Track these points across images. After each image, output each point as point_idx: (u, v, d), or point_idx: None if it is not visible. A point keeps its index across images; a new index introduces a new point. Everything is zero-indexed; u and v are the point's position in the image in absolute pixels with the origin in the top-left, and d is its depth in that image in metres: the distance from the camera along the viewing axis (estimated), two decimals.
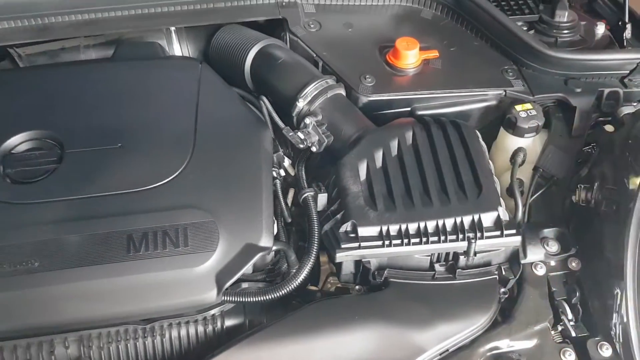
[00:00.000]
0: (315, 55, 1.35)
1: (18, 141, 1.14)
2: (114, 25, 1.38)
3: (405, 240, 1.09)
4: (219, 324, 1.07)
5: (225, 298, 1.04)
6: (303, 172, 1.21)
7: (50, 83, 1.25)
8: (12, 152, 1.13)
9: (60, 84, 1.25)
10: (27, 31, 1.36)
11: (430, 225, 1.10)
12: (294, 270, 1.08)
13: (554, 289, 1.14)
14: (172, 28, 1.44)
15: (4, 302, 0.98)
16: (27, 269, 1.00)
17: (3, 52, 1.39)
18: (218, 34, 1.43)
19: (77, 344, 1.03)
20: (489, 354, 1.07)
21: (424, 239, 1.09)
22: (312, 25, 1.42)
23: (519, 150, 1.28)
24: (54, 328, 1.02)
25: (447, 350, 1.05)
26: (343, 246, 1.07)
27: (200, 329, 1.06)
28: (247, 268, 1.05)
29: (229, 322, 1.07)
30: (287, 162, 1.22)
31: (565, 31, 1.46)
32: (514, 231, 1.12)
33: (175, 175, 1.11)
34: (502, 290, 1.13)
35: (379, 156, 1.17)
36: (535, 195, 1.25)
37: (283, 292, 1.06)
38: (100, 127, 1.16)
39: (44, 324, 1.01)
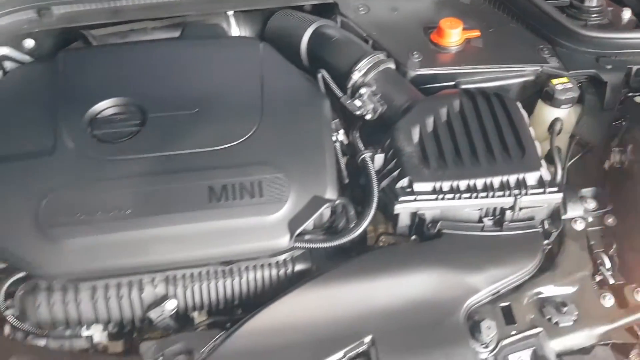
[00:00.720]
0: (365, 35, 1.47)
1: (104, 107, 1.25)
2: (179, 9, 1.49)
3: (457, 196, 1.19)
4: (289, 268, 1.17)
5: (296, 244, 1.15)
6: (358, 138, 1.32)
7: (130, 57, 1.37)
8: (99, 116, 1.25)
9: (139, 58, 1.37)
10: (101, 13, 1.48)
11: (479, 182, 1.20)
12: (355, 222, 1.19)
13: (592, 242, 1.24)
14: (230, 12, 1.56)
15: (99, 244, 1.09)
16: (120, 215, 1.11)
17: (77, 33, 1.52)
18: (273, 17, 1.54)
19: (163, 284, 1.13)
20: (535, 297, 1.17)
21: (474, 195, 1.19)
22: (361, 9, 1.54)
23: (556, 120, 1.38)
24: (143, 268, 1.13)
25: (498, 291, 1.14)
26: (401, 199, 1.17)
27: (273, 272, 1.16)
28: (315, 217, 1.16)
29: (298, 267, 1.17)
30: (341, 132, 1.33)
31: (594, 15, 1.56)
32: (555, 189, 1.22)
33: (247, 136, 1.22)
34: (546, 242, 1.23)
35: (429, 122, 1.27)
36: (573, 160, 1.35)
37: (347, 238, 1.16)
38: (177, 95, 1.28)
39: (134, 264, 1.11)
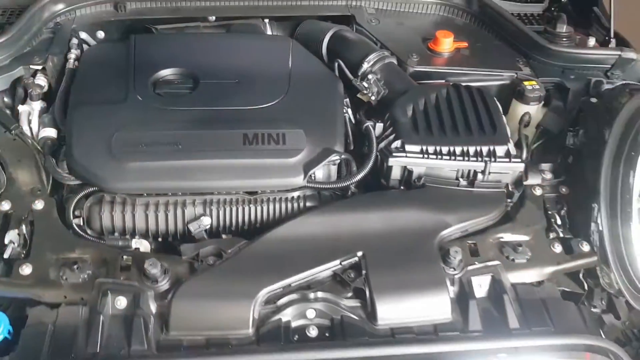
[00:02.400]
0: (375, 39, 1.77)
1: (166, 73, 1.55)
2: (227, 11, 1.82)
3: (439, 157, 1.45)
4: (301, 204, 1.43)
5: (307, 184, 1.42)
6: (363, 115, 1.60)
7: (188, 42, 1.70)
8: (160, 79, 1.55)
9: (195, 43, 1.69)
10: (164, 10, 1.80)
11: (458, 149, 1.46)
12: (356, 170, 1.45)
13: (548, 205, 1.49)
14: (267, 20, 1.88)
15: (155, 168, 1.37)
16: (173, 149, 1.39)
17: (140, 28, 1.83)
18: (302, 24, 1.86)
19: (201, 205, 1.40)
20: (497, 240, 1.40)
21: (452, 158, 1.46)
22: (373, 21, 1.85)
23: (526, 113, 1.66)
24: (186, 191, 1.40)
25: (467, 230, 1.39)
26: (394, 155, 1.44)
27: (288, 205, 1.43)
28: (325, 164, 1.43)
29: (308, 203, 1.43)
30: (349, 110, 1.62)
31: (564, 39, 1.85)
32: (519, 160, 1.48)
33: (276, 102, 1.51)
34: (509, 200, 1.48)
35: (421, 102, 1.55)
36: (537, 144, 1.62)
37: (349, 182, 1.42)
38: (223, 69, 1.58)
39: (180, 187, 1.39)
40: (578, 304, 1.39)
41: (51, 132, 1.47)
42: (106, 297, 1.21)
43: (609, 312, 1.49)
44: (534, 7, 2.00)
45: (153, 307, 1.22)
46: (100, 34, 1.81)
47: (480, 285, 1.32)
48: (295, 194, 1.43)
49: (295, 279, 1.26)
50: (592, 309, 1.45)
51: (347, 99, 1.60)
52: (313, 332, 1.23)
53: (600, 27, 1.97)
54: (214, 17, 1.86)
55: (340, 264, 1.29)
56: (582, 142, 1.54)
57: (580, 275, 1.45)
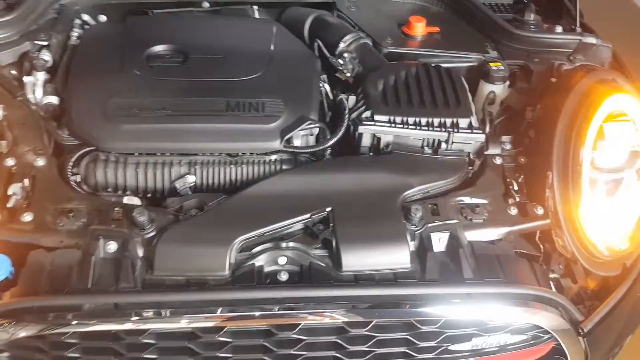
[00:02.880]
0: (354, 23, 1.90)
1: (158, 49, 1.69)
2: None
3: (406, 126, 1.58)
4: (277, 166, 1.55)
5: (284, 146, 1.54)
6: (339, 91, 1.72)
7: (180, 22, 1.84)
8: (153, 53, 1.68)
9: (186, 22, 1.83)
10: None
11: (423, 120, 1.58)
12: (329, 137, 1.58)
13: (507, 173, 1.60)
14: (255, 7, 2.02)
15: (145, 130, 1.50)
16: (162, 113, 1.52)
17: (139, 12, 1.97)
18: (287, 10, 1.99)
19: (187, 166, 1.52)
20: (456, 203, 1.51)
21: (418, 127, 1.58)
22: (352, 8, 1.98)
23: (490, 92, 1.78)
24: (174, 152, 1.52)
25: (428, 192, 1.51)
26: (364, 123, 1.56)
27: (266, 167, 1.54)
28: (301, 131, 1.56)
29: (284, 166, 1.55)
30: (326, 85, 1.74)
31: (532, 27, 1.97)
32: (480, 131, 1.60)
33: (257, 75, 1.64)
34: (470, 168, 1.60)
35: (392, 78, 1.67)
36: (500, 119, 1.74)
37: (322, 147, 1.55)
38: (211, 45, 1.71)
39: (168, 148, 1.52)
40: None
41: (53, 100, 1.60)
42: (98, 242, 1.34)
43: (567, 277, 1.61)
44: None
45: (140, 252, 1.35)
46: (102, 17, 1.95)
47: (439, 240, 1.43)
48: (273, 157, 1.55)
49: (268, 229, 1.38)
50: (551, 275, 1.57)
51: (325, 76, 1.73)
52: (284, 277, 1.35)
53: (570, 19, 2.09)
54: (207, 4, 2.00)
55: (311, 217, 1.41)
56: (540, 117, 1.66)
57: (537, 238, 1.57)
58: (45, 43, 1.72)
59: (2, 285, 1.36)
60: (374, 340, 1.34)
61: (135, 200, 1.51)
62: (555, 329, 1.41)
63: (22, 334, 1.25)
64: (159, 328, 1.27)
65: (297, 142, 1.59)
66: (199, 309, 1.26)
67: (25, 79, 1.65)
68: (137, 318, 1.24)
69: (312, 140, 1.62)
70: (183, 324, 1.26)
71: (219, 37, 1.76)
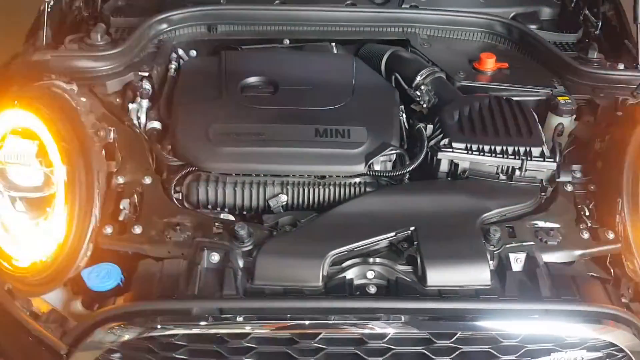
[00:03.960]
0: (427, 59, 2.01)
1: (252, 80, 1.83)
2: (300, 35, 2.10)
3: (482, 154, 1.66)
4: (362, 188, 1.65)
5: (368, 171, 1.64)
6: (416, 120, 1.83)
7: (269, 56, 1.98)
8: (247, 84, 1.82)
9: (275, 57, 1.98)
10: (248, 32, 2.09)
11: (498, 148, 1.66)
12: (409, 162, 1.67)
13: (578, 200, 1.66)
14: (333, 44, 2.15)
15: (242, 153, 1.62)
16: (258, 138, 1.64)
17: (227, 47, 2.11)
18: (364, 46, 2.12)
19: (279, 186, 1.63)
20: (531, 226, 1.57)
21: (493, 155, 1.66)
22: (425, 45, 2.09)
23: (559, 124, 1.85)
24: (267, 172, 1.63)
25: (505, 215, 1.59)
26: (443, 150, 1.66)
27: (351, 189, 1.64)
28: (383, 156, 1.66)
29: (368, 189, 1.65)
30: (404, 116, 1.85)
31: (595, 64, 2.05)
32: (552, 160, 1.68)
33: (342, 104, 1.76)
34: (542, 193, 1.67)
35: (467, 109, 1.76)
36: (569, 150, 1.80)
37: (403, 171, 1.64)
38: (299, 77, 1.84)
39: (262, 170, 1.63)
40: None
41: (157, 125, 1.75)
42: (203, 253, 1.45)
43: (636, 301, 1.65)
44: (568, 37, 2.22)
45: (240, 263, 1.45)
46: (193, 52, 2.10)
47: (517, 260, 1.50)
48: (357, 179, 1.65)
49: (357, 245, 1.47)
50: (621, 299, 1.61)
51: (402, 106, 1.84)
52: (372, 290, 1.44)
53: (630, 58, 2.16)
54: (287, 41, 2.14)
55: (395, 235, 1.50)
56: (609, 147, 1.73)
57: (607, 263, 1.62)
58: (147, 74, 1.87)
59: (114, 292, 1.48)
60: (457, 352, 1.41)
61: (230, 218, 1.62)
62: (630, 348, 1.45)
63: (135, 335, 1.36)
64: (261, 333, 1.36)
65: (376, 167, 1.69)
66: (299, 316, 1.36)
67: (130, 106, 1.79)
68: (241, 322, 1.34)
69: (389, 165, 1.72)
70: (284, 329, 1.35)
71: (305, 70, 1.89)
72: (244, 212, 1.64)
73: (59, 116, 1.57)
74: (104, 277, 1.46)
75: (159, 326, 1.33)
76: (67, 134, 1.54)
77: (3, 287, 1.50)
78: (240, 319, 1.35)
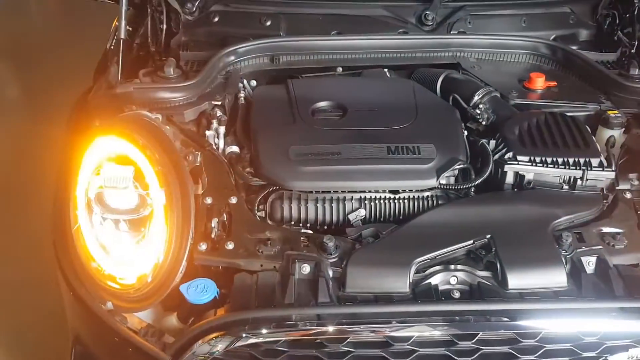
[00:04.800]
0: (480, 80, 2.13)
1: (322, 104, 1.94)
2: (357, 62, 2.22)
3: (545, 165, 1.76)
4: (434, 202, 1.75)
5: (439, 184, 1.74)
6: (476, 137, 1.93)
7: (334, 82, 2.11)
8: (318, 108, 1.93)
9: (339, 82, 2.11)
10: (307, 62, 2.21)
11: (560, 159, 1.76)
12: (476, 176, 1.77)
13: (637, 206, 1.76)
14: (386, 70, 2.27)
15: (322, 172, 1.72)
16: (334, 157, 1.74)
17: (286, 76, 2.23)
18: (416, 71, 2.23)
19: (357, 201, 1.73)
20: (598, 231, 1.66)
21: (556, 166, 1.76)
22: (475, 67, 2.21)
23: (611, 136, 1.95)
24: (345, 189, 1.73)
25: (573, 222, 1.68)
26: (509, 163, 1.75)
27: (423, 202, 1.74)
28: (453, 171, 1.76)
29: (439, 201, 1.75)
30: (466, 132, 1.96)
31: (636, 80, 2.17)
32: (610, 169, 1.77)
33: (409, 124, 1.86)
34: (604, 201, 1.76)
35: (525, 124, 1.87)
36: (622, 160, 1.90)
37: (472, 184, 1.74)
38: (365, 101, 1.95)
39: (341, 187, 1.73)
40: None
41: (235, 149, 1.86)
42: (295, 264, 1.54)
43: None
44: (608, 56, 2.34)
45: (330, 273, 1.54)
46: (253, 82, 2.22)
47: (589, 263, 1.59)
48: (429, 193, 1.75)
49: (439, 253, 1.56)
50: None
51: (462, 124, 1.94)
52: (457, 294, 1.52)
53: None
54: (340, 69, 2.26)
55: (473, 243, 1.59)
56: None
57: None
58: (219, 103, 1.99)
59: (211, 305, 1.56)
60: (542, 350, 1.48)
61: (310, 232, 1.72)
62: None
63: (238, 343, 1.44)
64: (358, 337, 1.44)
65: (442, 181, 1.79)
66: (391, 320, 1.44)
67: (207, 133, 1.90)
68: (339, 326, 1.42)
69: (452, 180, 1.82)
70: (380, 332, 1.43)
71: (368, 94, 2.01)
72: (325, 227, 1.73)
73: (152, 142, 1.68)
74: (201, 291, 1.55)
75: (264, 331, 1.42)
76: (161, 159, 1.65)
77: (104, 304, 1.60)
78: (335, 325, 1.44)
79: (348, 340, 1.44)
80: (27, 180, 3.39)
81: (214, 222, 1.64)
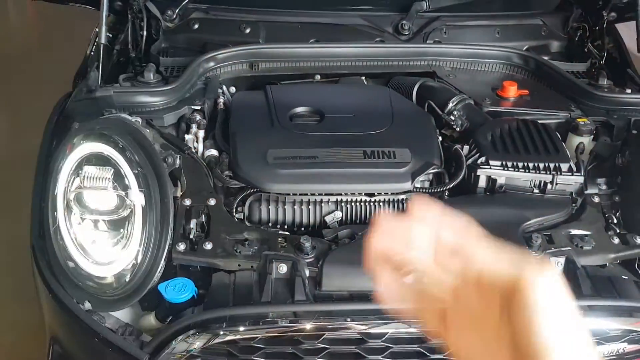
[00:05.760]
0: (455, 88, 2.20)
1: (300, 110, 1.99)
2: (335, 69, 2.28)
3: (516, 170, 1.82)
4: (407, 204, 1.79)
5: (413, 187, 1.79)
6: (450, 142, 1.99)
7: (311, 88, 2.15)
8: (295, 114, 1.98)
9: (317, 89, 2.15)
10: (285, 69, 2.26)
11: (531, 164, 1.83)
12: (449, 180, 1.83)
13: (605, 209, 1.83)
14: (363, 77, 2.33)
15: (298, 175, 1.77)
16: (311, 160, 1.79)
17: (265, 83, 2.28)
18: (392, 79, 2.30)
19: (334, 203, 1.77)
20: (566, 233, 1.73)
21: (527, 170, 1.82)
22: (450, 76, 2.28)
23: (580, 143, 2.03)
24: (322, 192, 1.77)
25: (542, 224, 1.74)
26: (482, 167, 1.82)
27: (398, 205, 1.79)
28: (426, 175, 1.81)
29: None
30: (440, 138, 2.02)
31: (605, 89, 2.25)
32: (579, 174, 1.84)
33: (385, 129, 1.92)
34: (573, 205, 1.83)
35: (498, 131, 1.93)
36: (591, 166, 1.97)
37: (447, 187, 1.80)
38: (342, 107, 2.01)
39: (317, 189, 1.77)
40: None
41: (214, 152, 1.90)
42: (272, 264, 1.58)
43: None
44: (578, 67, 2.43)
45: (307, 272, 1.58)
46: (232, 89, 2.27)
47: (557, 264, 1.65)
48: (404, 196, 1.81)
49: None
50: None
51: (437, 130, 2.01)
52: None
53: (634, 84, 2.37)
54: (319, 76, 2.32)
55: None
56: (628, 161, 1.91)
57: (636, 266, 1.77)
58: (199, 107, 2.03)
59: (189, 303, 1.59)
60: None
61: (288, 234, 1.76)
62: None
63: (216, 340, 1.48)
64: (333, 334, 1.48)
65: (417, 185, 1.84)
66: (366, 317, 1.48)
67: (186, 137, 1.94)
68: (315, 323, 1.47)
69: (427, 184, 1.87)
70: (354, 329, 1.47)
71: (345, 100, 2.07)
72: (302, 228, 1.78)
73: (132, 144, 1.71)
74: (180, 290, 1.58)
75: (241, 328, 1.45)
76: (141, 160, 1.68)
77: (82, 304, 1.62)
78: (311, 322, 1.48)
79: (324, 337, 1.48)
80: (4, 187, 3.39)
81: (193, 223, 1.68)
